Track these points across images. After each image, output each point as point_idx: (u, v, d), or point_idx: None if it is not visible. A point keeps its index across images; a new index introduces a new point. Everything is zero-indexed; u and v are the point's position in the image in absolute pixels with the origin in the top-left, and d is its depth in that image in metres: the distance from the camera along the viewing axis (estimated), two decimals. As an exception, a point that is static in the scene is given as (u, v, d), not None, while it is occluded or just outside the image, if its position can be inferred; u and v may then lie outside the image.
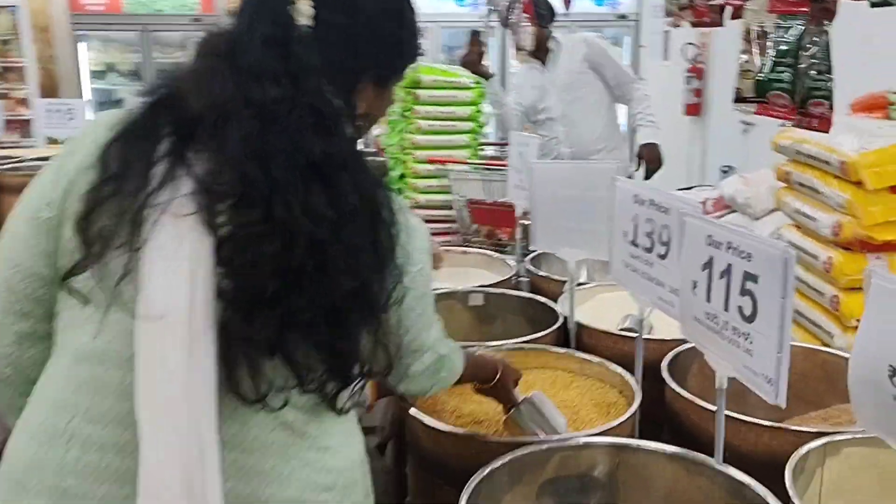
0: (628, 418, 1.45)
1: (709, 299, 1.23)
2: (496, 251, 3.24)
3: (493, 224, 3.72)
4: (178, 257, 0.82)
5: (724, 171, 5.52)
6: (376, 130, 6.05)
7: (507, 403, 1.51)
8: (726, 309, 1.18)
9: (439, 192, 3.97)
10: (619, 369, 1.65)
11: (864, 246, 1.98)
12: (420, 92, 4.10)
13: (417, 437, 1.52)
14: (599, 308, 2.11)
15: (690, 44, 5.99)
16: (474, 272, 2.58)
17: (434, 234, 4.35)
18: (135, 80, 7.65)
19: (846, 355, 1.74)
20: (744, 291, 1.13)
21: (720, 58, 5.72)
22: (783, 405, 1.07)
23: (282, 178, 0.84)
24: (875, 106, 2.55)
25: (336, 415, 0.95)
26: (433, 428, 1.44)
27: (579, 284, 2.20)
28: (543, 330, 2.05)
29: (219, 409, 0.83)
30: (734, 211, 3.54)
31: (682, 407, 1.54)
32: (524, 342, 1.82)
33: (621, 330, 1.93)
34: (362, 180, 0.91)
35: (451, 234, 4.09)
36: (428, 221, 4.41)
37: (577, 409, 1.61)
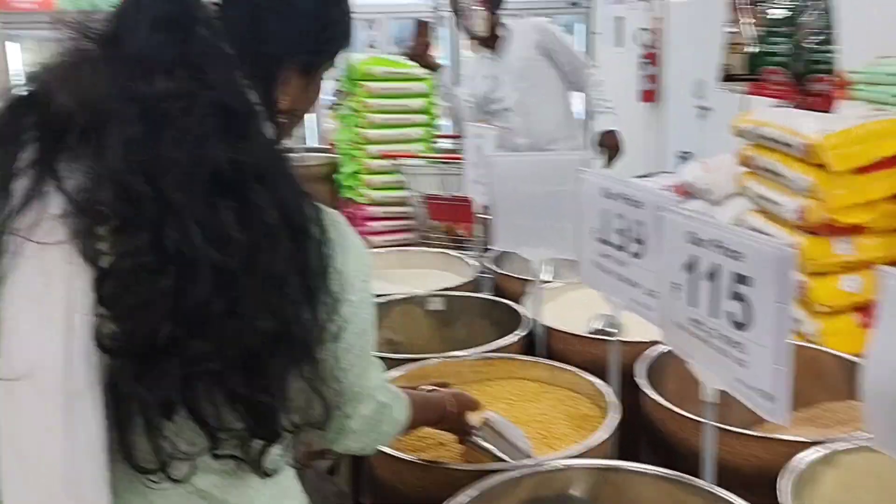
0: (608, 437, 1.32)
1: (693, 303, 1.10)
2: (455, 247, 3.10)
3: (452, 220, 3.58)
4: (47, 298, 0.65)
5: (682, 158, 5.48)
6: (328, 125, 5.86)
7: (462, 434, 1.35)
8: (714, 315, 1.05)
9: (395, 189, 3.84)
10: (593, 378, 1.52)
11: (830, 230, 1.91)
12: (371, 84, 3.95)
13: (374, 465, 1.37)
14: (566, 308, 1.98)
15: (644, 29, 5.92)
16: (433, 273, 2.43)
17: (391, 231, 4.24)
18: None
19: (833, 352, 1.64)
20: (735, 295, 1.00)
21: (675, 42, 5.66)
22: (787, 424, 0.95)
23: (176, 195, 0.67)
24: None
25: (263, 476, 0.79)
26: (392, 456, 1.29)
27: (544, 283, 2.07)
28: (509, 333, 1.92)
29: (113, 481, 0.67)
30: (694, 197, 3.50)
31: (661, 417, 1.42)
32: (489, 352, 1.67)
33: (592, 333, 1.81)
34: (285, 192, 0.74)
35: (408, 231, 3.96)
36: (384, 219, 4.29)
37: (549, 424, 1.48)
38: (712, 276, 1.04)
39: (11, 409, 0.65)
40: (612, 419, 1.36)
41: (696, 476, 1.20)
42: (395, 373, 1.56)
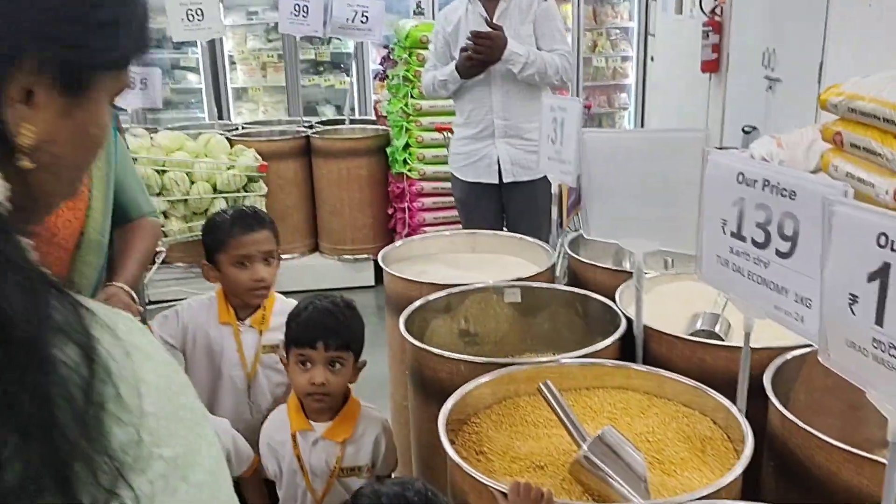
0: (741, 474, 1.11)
1: (880, 322, 0.89)
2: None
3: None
4: None
5: (747, 132, 5.19)
6: (377, 96, 5.61)
7: None
8: (917, 339, 0.84)
9: (448, 163, 3.64)
10: (715, 394, 1.31)
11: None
12: (424, 52, 3.75)
13: (463, 492, 1.19)
14: (660, 304, 1.77)
15: (708, -5, 5.59)
16: (507, 260, 2.21)
17: (443, 208, 4.02)
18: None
19: None
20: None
21: (742, 9, 5.33)
22: None
23: None
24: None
25: None
26: (483, 483, 1.10)
27: (620, 271, 1.86)
28: (597, 330, 1.72)
29: None
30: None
31: (798, 443, 1.20)
32: (583, 356, 1.47)
33: (695, 333, 1.59)
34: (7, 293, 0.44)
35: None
36: (436, 195, 4.07)
37: (661, 445, 1.27)
38: (917, 290, 0.83)
39: None
40: (748, 449, 1.15)
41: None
42: (483, 379, 1.37)
